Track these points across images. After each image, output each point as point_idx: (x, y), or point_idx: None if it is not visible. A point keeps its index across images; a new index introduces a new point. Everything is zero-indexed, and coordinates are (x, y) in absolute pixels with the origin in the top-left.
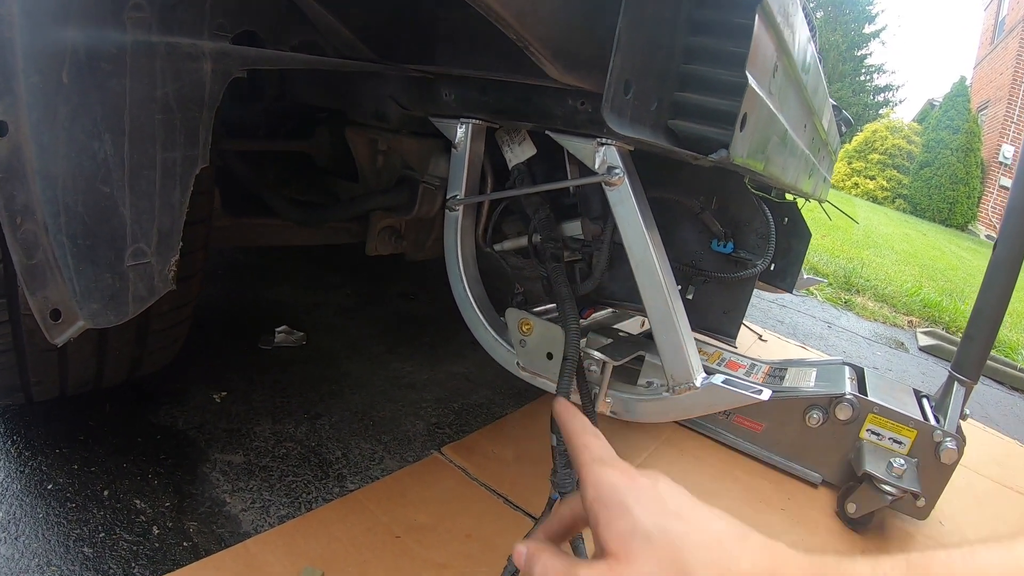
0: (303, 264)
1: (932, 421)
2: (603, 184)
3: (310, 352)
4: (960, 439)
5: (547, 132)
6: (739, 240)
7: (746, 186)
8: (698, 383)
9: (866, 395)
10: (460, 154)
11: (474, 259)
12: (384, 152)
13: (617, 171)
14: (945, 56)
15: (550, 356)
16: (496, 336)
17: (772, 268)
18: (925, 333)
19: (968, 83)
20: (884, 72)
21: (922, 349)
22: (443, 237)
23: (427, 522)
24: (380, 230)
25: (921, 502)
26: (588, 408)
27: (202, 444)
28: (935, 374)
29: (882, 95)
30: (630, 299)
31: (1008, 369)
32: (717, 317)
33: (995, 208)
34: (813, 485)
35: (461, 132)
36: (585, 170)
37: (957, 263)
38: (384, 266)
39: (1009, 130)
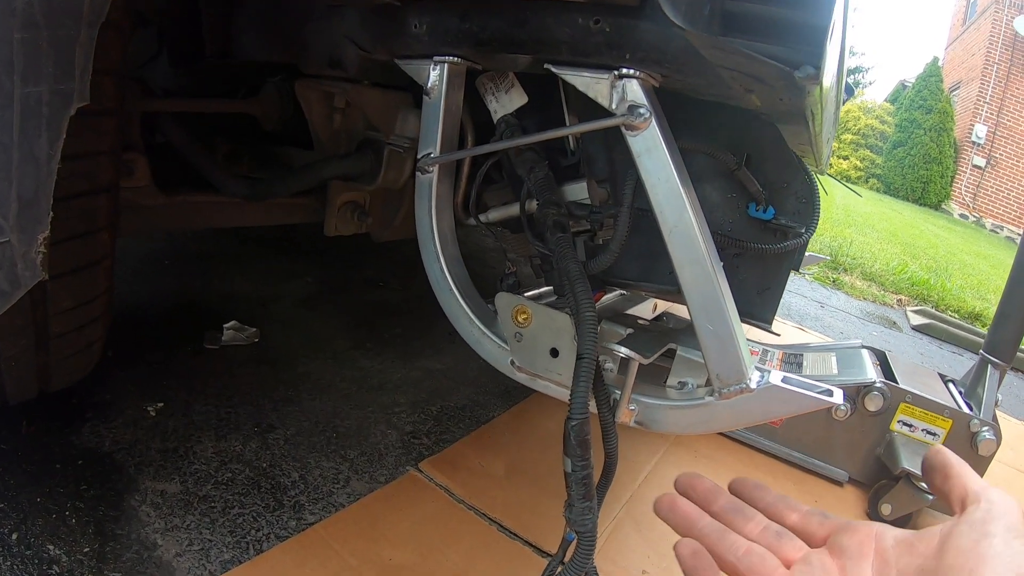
0: (258, 250)
1: (965, 408)
2: (624, 130)
3: (263, 351)
4: (997, 428)
5: (547, 66)
6: (777, 205)
7: (783, 141)
8: (753, 384)
9: (895, 381)
10: (434, 102)
11: (453, 233)
12: (342, 110)
13: (642, 111)
14: (915, 38)
15: (555, 352)
16: (483, 328)
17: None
18: (916, 312)
19: (940, 63)
20: (854, 55)
21: (915, 328)
22: (414, 210)
23: (406, 561)
24: (341, 205)
25: None
26: (607, 418)
27: (131, 470)
28: (932, 353)
29: (851, 76)
30: (646, 279)
31: None
32: (750, 298)
33: (968, 187)
34: (839, 484)
35: (435, 74)
36: (590, 118)
37: (936, 241)
38: (349, 251)
39: (982, 110)
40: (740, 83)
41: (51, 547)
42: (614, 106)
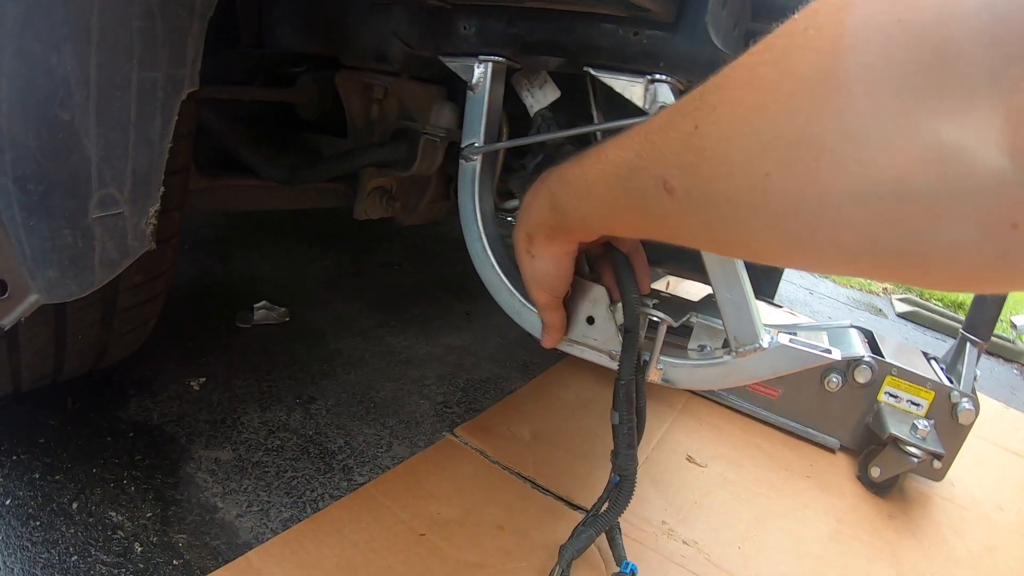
0: (275, 236)
1: (946, 381)
2: None
3: (294, 329)
4: (976, 399)
5: (587, 69)
6: None
7: None
8: (765, 344)
9: (881, 356)
10: (479, 96)
11: (493, 216)
12: (380, 101)
13: None
14: None
15: (591, 320)
16: (523, 301)
17: None
18: (901, 300)
19: None
20: None
21: (899, 315)
22: (438, 199)
23: (452, 516)
24: (371, 191)
25: (938, 464)
26: (638, 378)
27: (182, 440)
28: (915, 339)
29: None
30: (672, 260)
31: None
32: (756, 275)
33: None
34: (831, 450)
35: (479, 72)
36: (614, 114)
37: None
38: (364, 235)
39: None
40: None
41: (113, 514)
42: (647, 106)
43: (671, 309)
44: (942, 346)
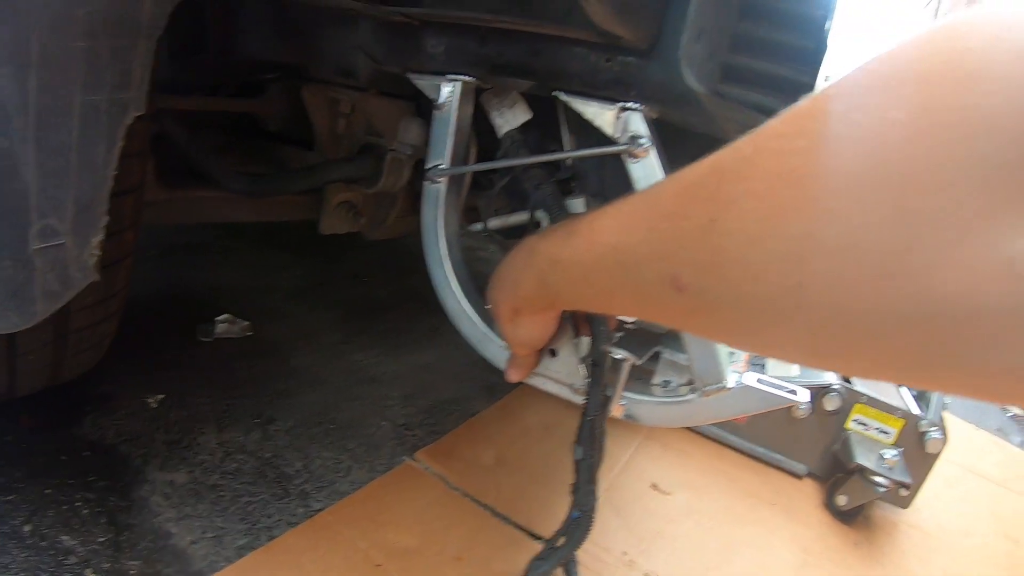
0: (244, 244)
1: (915, 410)
2: (625, 157)
3: (256, 344)
4: (944, 428)
5: (556, 94)
6: None
7: None
8: (731, 384)
9: (851, 383)
10: (445, 116)
11: (458, 239)
12: (346, 115)
13: (643, 141)
14: (881, 42)
15: (553, 353)
16: (486, 330)
17: None
18: None
19: None
20: (826, 79)
21: None
22: (405, 214)
23: (411, 545)
24: (336, 205)
25: (905, 492)
26: (600, 414)
27: (137, 461)
28: None
29: None
30: None
31: None
32: None
33: None
34: (798, 476)
35: (447, 91)
36: (584, 138)
37: None
38: (333, 246)
39: None
40: (732, 126)
41: (65, 537)
42: (617, 135)
43: (637, 343)
44: None
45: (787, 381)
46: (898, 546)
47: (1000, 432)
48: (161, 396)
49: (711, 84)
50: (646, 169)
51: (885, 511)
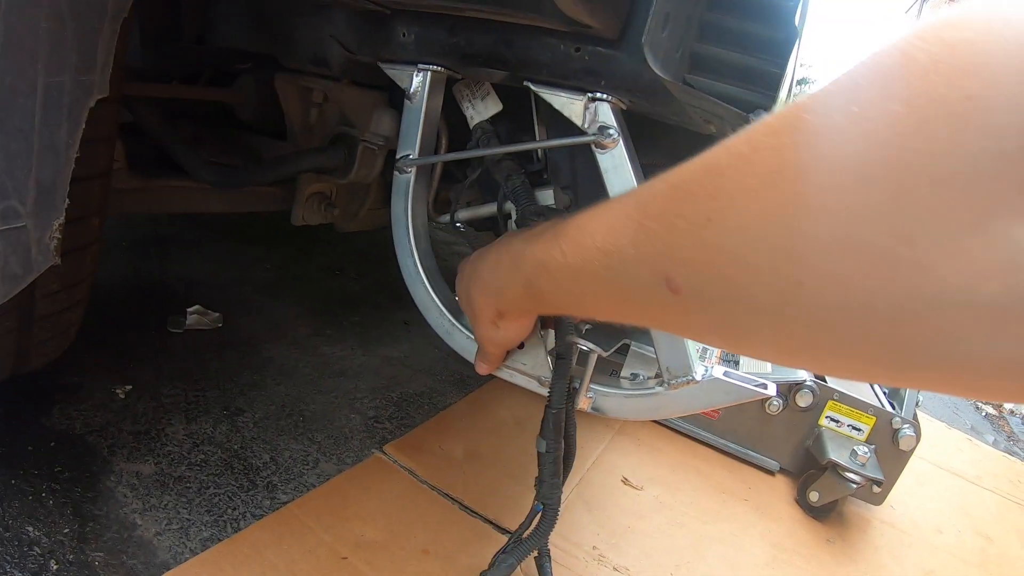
0: (216, 235)
1: (888, 407)
2: (594, 147)
3: (227, 336)
4: (917, 425)
5: (526, 83)
6: None
7: None
8: (698, 376)
9: (824, 380)
10: (415, 106)
11: (427, 230)
12: (319, 105)
13: (612, 132)
14: (859, 46)
15: (521, 345)
16: (454, 321)
17: None
18: None
19: None
20: (801, 66)
21: None
22: (379, 206)
23: (376, 537)
24: (309, 196)
25: (877, 489)
26: (568, 406)
27: (104, 451)
28: None
29: (798, 87)
30: None
31: None
32: None
33: None
34: (770, 472)
35: (418, 80)
36: (556, 130)
37: None
38: (307, 238)
39: None
40: (700, 116)
41: (30, 528)
42: (586, 125)
43: (604, 335)
44: None
45: (759, 376)
46: (871, 542)
47: (973, 431)
48: (129, 387)
49: (678, 73)
50: (615, 160)
51: (858, 508)
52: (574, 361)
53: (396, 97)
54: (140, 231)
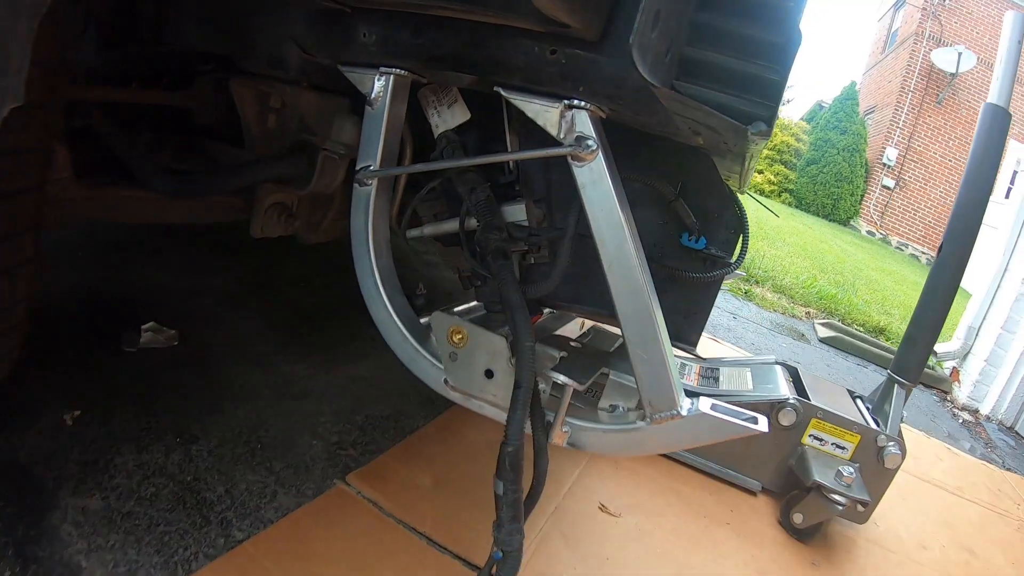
0: (178, 242)
1: (873, 424)
2: (570, 160)
3: (184, 354)
4: (902, 443)
5: (497, 89)
6: (708, 235)
7: (716, 172)
8: (684, 411)
9: (807, 397)
10: (376, 114)
11: (388, 247)
12: (277, 110)
13: (590, 143)
14: (834, 61)
15: (489, 374)
16: (417, 346)
17: None
18: (823, 325)
19: (858, 87)
20: None
21: (822, 340)
22: (343, 217)
23: None
24: (269, 207)
25: (862, 507)
26: (540, 440)
27: (50, 484)
28: (838, 366)
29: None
30: (578, 301)
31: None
32: (676, 321)
33: (877, 206)
34: (752, 493)
35: (379, 86)
36: (530, 140)
37: (844, 256)
38: (274, 247)
39: (894, 134)
40: (689, 126)
41: None
42: (562, 135)
43: (582, 363)
44: (864, 372)
45: (740, 395)
46: (856, 563)
47: (950, 438)
48: (78, 412)
49: (667, 79)
50: (593, 174)
51: (842, 526)
52: (547, 389)
53: (359, 103)
54: (101, 238)
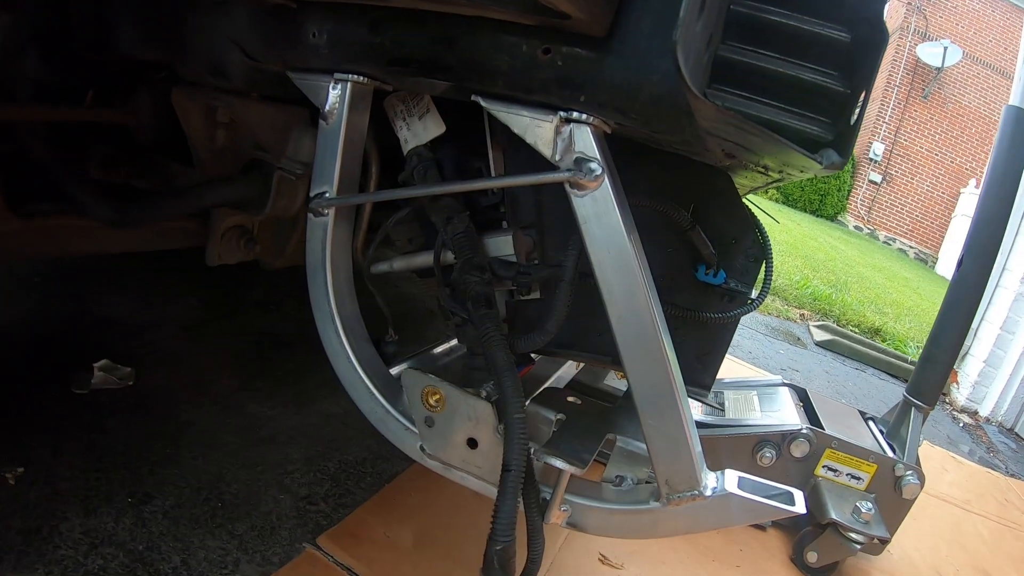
0: (139, 265)
1: (888, 451)
2: (568, 187)
3: (139, 396)
4: (921, 472)
5: (476, 98)
6: (725, 265)
7: (735, 192)
8: (708, 491)
9: (819, 424)
10: (332, 130)
11: (351, 286)
12: (226, 125)
13: (594, 167)
14: None
15: (473, 443)
16: (388, 407)
17: None
18: (819, 327)
19: None
20: None
21: (818, 344)
22: (306, 259)
23: None
24: (226, 231)
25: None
26: (535, 521)
27: None
28: (836, 371)
29: None
30: (577, 346)
31: (900, 362)
32: (689, 363)
33: (864, 201)
34: (762, 528)
35: (335, 94)
36: (517, 159)
37: (835, 254)
38: (242, 267)
39: (880, 129)
40: (726, 149)
41: None
42: (558, 157)
43: (582, 430)
44: (863, 378)
45: (749, 423)
46: None
47: (951, 442)
48: (21, 469)
49: (701, 86)
50: (598, 206)
51: (855, 558)
52: (534, 458)
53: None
54: (52, 266)
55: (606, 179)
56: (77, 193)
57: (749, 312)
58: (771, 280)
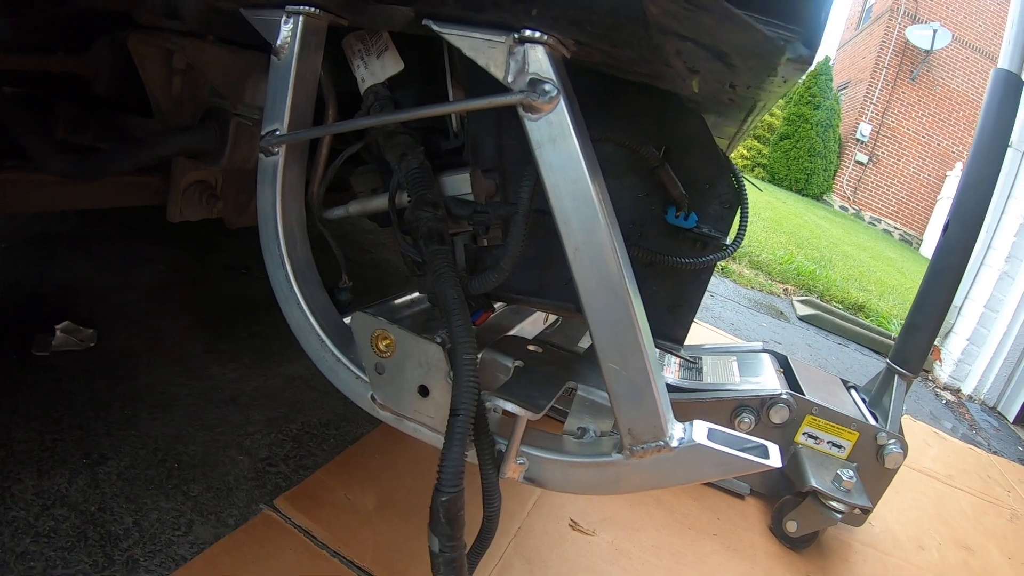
0: (105, 232)
1: (871, 419)
2: (522, 110)
3: (101, 357)
4: (903, 440)
5: (427, 22)
6: (698, 209)
7: (709, 135)
8: (674, 442)
9: (800, 391)
10: (283, 64)
11: (303, 230)
12: (183, 71)
13: (548, 87)
14: None
15: (424, 391)
16: (338, 354)
17: None
18: (802, 302)
19: (831, 63)
20: None
21: (801, 318)
22: (257, 200)
23: None
24: (187, 187)
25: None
26: (490, 475)
27: None
28: (819, 345)
29: None
30: (538, 293)
31: (883, 338)
32: (659, 316)
33: (850, 181)
34: (740, 497)
35: (286, 29)
36: (480, 92)
37: (820, 232)
38: (213, 229)
39: (868, 110)
40: (686, 60)
41: None
42: (511, 79)
43: (541, 376)
44: (845, 352)
45: (728, 388)
46: (854, 571)
47: (933, 418)
48: None
49: None
50: (553, 130)
51: (836, 529)
52: (491, 409)
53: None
54: (27, 229)
55: (562, 101)
56: (31, 144)
57: (723, 259)
58: (746, 227)
